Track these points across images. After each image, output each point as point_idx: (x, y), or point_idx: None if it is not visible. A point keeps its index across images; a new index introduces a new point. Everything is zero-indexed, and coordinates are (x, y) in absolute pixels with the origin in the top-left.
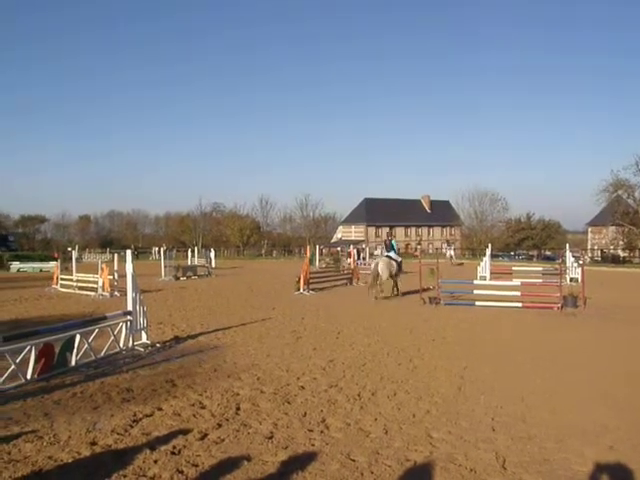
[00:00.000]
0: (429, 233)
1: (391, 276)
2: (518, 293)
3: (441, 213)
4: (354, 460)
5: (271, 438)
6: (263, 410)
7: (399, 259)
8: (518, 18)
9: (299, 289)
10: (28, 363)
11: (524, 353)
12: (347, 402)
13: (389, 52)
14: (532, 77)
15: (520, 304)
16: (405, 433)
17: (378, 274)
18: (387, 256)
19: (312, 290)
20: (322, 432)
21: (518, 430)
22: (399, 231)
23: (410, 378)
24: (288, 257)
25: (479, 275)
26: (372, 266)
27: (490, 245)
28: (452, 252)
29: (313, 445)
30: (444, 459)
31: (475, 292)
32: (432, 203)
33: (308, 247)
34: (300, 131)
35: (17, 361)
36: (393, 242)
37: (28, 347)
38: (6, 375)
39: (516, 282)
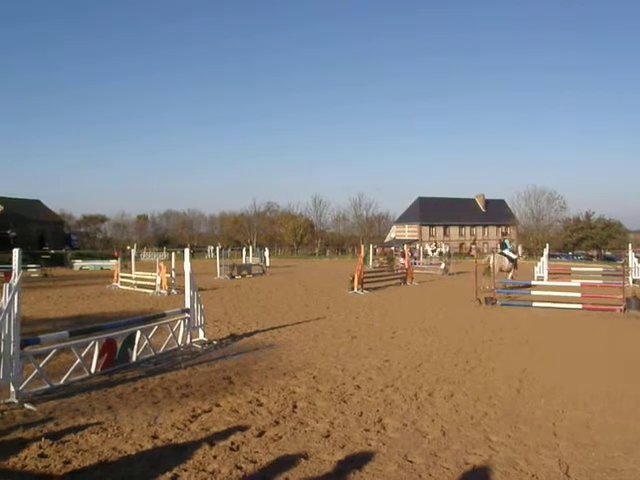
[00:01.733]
0: (484, 232)
1: (501, 270)
2: (578, 294)
3: (496, 212)
4: (411, 461)
5: (328, 437)
6: (319, 409)
7: (514, 256)
8: (579, 18)
9: (353, 288)
10: (92, 357)
11: (586, 356)
12: (404, 402)
13: (441, 49)
14: (591, 76)
15: (580, 306)
16: (463, 435)
17: (489, 267)
18: (501, 253)
19: (366, 289)
20: (379, 432)
21: (581, 436)
22: (453, 230)
23: (467, 379)
24: (341, 256)
25: (536, 275)
26: (484, 260)
27: (547, 245)
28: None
29: (370, 445)
30: (504, 464)
31: (533, 293)
32: (487, 202)
33: (362, 247)
34: (354, 130)
35: (82, 355)
36: (506, 241)
37: (92, 342)
38: (72, 368)
39: (575, 283)
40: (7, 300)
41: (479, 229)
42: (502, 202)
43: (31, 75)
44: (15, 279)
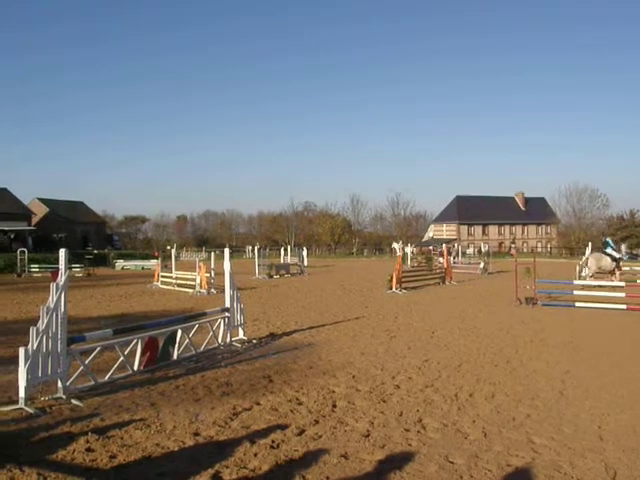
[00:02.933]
0: (523, 231)
1: (600, 271)
2: (622, 294)
3: (536, 211)
4: (452, 462)
5: (368, 436)
6: (359, 408)
7: (617, 255)
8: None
9: (391, 288)
10: (135, 355)
11: (631, 358)
12: (444, 403)
13: (477, 49)
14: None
15: (624, 306)
16: (505, 437)
17: (586, 266)
18: (603, 252)
19: (404, 289)
20: (419, 432)
21: (629, 441)
22: (492, 229)
23: (508, 380)
24: (379, 256)
25: (579, 275)
26: (582, 259)
27: (590, 244)
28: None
29: (410, 445)
30: (548, 467)
31: (575, 293)
32: (527, 200)
33: (402, 246)
34: (391, 129)
35: (125, 353)
36: (608, 239)
37: (135, 340)
38: (116, 366)
39: (620, 282)
40: (54, 299)
41: (518, 228)
42: (542, 200)
43: (70, 74)
44: (62, 278)
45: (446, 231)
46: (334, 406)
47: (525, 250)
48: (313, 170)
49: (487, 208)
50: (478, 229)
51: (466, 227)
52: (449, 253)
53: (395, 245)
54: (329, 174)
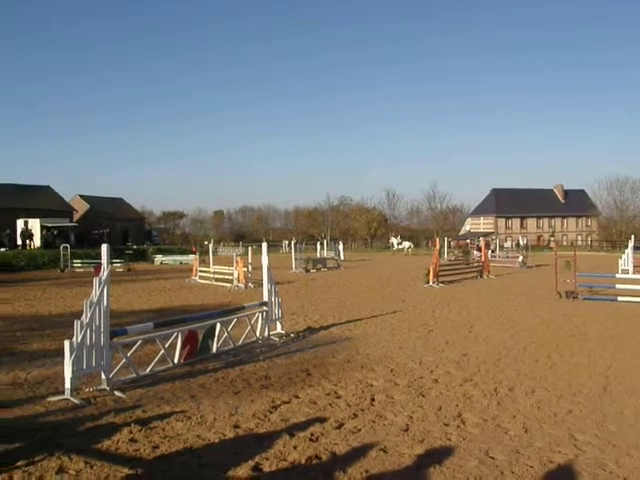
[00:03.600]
0: (563, 224)
1: None
2: None
3: (576, 203)
4: (493, 458)
5: (407, 430)
6: (398, 402)
7: None
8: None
9: (428, 282)
10: (175, 348)
11: None
12: (483, 397)
13: (512, 44)
14: None
15: None
16: (546, 433)
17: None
18: None
19: (441, 283)
20: (458, 427)
21: None
22: (530, 222)
23: (549, 375)
24: (415, 250)
25: (621, 268)
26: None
27: (633, 237)
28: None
29: (449, 440)
30: (592, 464)
31: (617, 287)
32: (566, 192)
33: (437, 239)
34: (426, 123)
35: (166, 346)
36: None
37: (175, 334)
38: (157, 359)
39: None
40: (97, 293)
41: (557, 221)
42: (582, 192)
43: (108, 71)
44: (104, 273)
45: (483, 224)
46: (372, 400)
47: (564, 243)
48: (349, 164)
49: (525, 201)
50: (516, 222)
51: (504, 220)
52: (487, 246)
53: (393, 240)
54: (365, 168)
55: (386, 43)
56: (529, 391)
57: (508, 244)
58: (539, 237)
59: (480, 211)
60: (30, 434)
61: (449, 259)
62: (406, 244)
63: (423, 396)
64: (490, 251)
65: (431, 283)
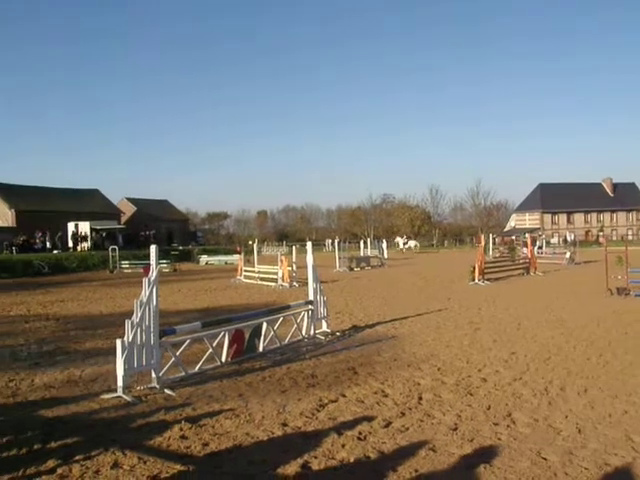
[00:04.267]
0: (612, 219)
1: None
2: None
3: (626, 196)
4: (545, 459)
5: (455, 430)
6: (445, 401)
7: None
8: None
9: (474, 279)
10: (222, 347)
11: None
12: (533, 397)
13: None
14: None
15: None
16: (601, 434)
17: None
18: None
19: (487, 280)
20: (508, 427)
21: None
22: (577, 218)
23: (602, 374)
24: (459, 247)
25: None
26: None
27: None
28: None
29: (500, 439)
30: None
31: None
32: (615, 186)
33: (482, 236)
34: (469, 116)
35: (213, 345)
36: None
37: (222, 333)
38: (204, 358)
39: None
40: (147, 293)
41: (606, 215)
42: (632, 185)
43: (155, 76)
44: (153, 274)
45: (529, 220)
46: (420, 398)
47: (614, 238)
48: (391, 162)
49: (572, 195)
50: (563, 217)
51: (550, 216)
52: (533, 243)
53: (399, 240)
54: (407, 165)
55: (423, 28)
56: (581, 390)
57: (555, 240)
58: (587, 232)
59: (525, 207)
60: (86, 430)
61: (494, 256)
62: (412, 243)
63: (471, 395)
64: (537, 247)
65: (476, 280)
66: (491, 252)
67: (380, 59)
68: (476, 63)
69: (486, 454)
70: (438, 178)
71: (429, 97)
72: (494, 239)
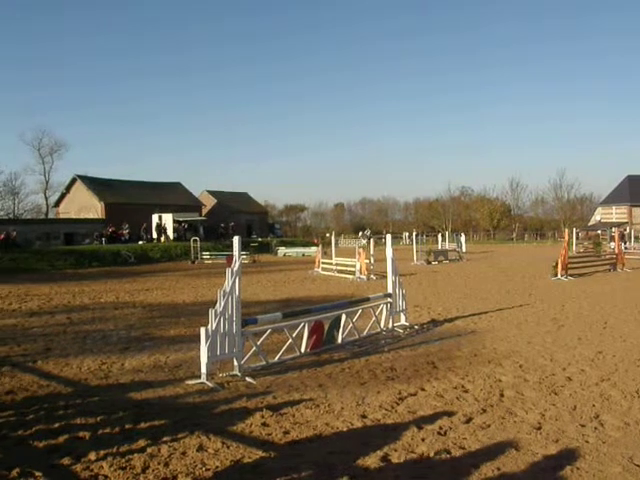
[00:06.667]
0: None
1: None
2: None
3: None
4: (639, 466)
5: (539, 429)
6: (528, 399)
7: None
8: None
9: (556, 274)
10: (302, 338)
11: None
12: (623, 399)
13: None
14: None
15: None
16: None
17: None
18: None
19: (570, 276)
20: (596, 429)
21: None
22: None
23: None
24: (540, 241)
25: None
26: None
27: None
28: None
29: (587, 442)
30: None
31: None
32: None
33: (566, 230)
34: (552, 108)
35: (293, 336)
36: None
37: (302, 324)
38: (284, 348)
39: None
40: (230, 283)
41: None
42: None
43: (235, 68)
44: (236, 264)
45: (616, 214)
46: (501, 395)
47: None
48: (470, 153)
49: None
50: None
51: (639, 209)
52: (621, 237)
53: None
54: (486, 157)
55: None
56: None
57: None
58: None
59: (612, 200)
60: (172, 413)
61: (578, 251)
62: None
63: (556, 394)
64: (624, 242)
65: (559, 276)
66: (574, 247)
67: (463, 54)
68: (566, 58)
69: (573, 456)
70: (519, 170)
71: (510, 90)
72: (577, 233)
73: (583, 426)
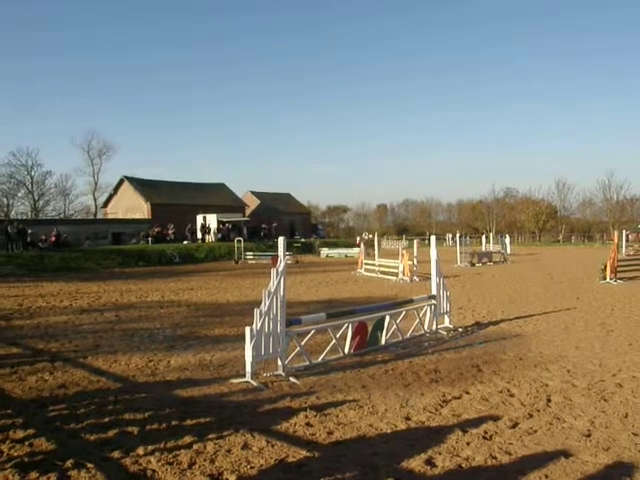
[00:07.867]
0: None
1: None
2: None
3: None
4: None
5: (589, 436)
6: (576, 405)
7: None
8: None
9: (605, 278)
10: (345, 339)
11: None
12: None
13: None
14: None
15: None
16: None
17: None
18: None
19: (619, 279)
20: None
21: None
22: None
23: None
24: (588, 244)
25: None
26: None
27: None
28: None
29: None
30: None
31: None
32: None
33: (616, 233)
34: (599, 105)
35: (337, 336)
36: None
37: (346, 325)
38: (328, 348)
39: None
40: (275, 283)
41: None
42: None
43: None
44: (281, 264)
45: None
46: (549, 400)
47: None
48: (515, 154)
49: None
50: None
51: None
52: None
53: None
54: (532, 157)
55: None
56: None
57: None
58: None
59: None
60: (217, 411)
61: (627, 254)
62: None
63: (605, 401)
64: None
65: (608, 279)
66: (624, 249)
67: (511, 47)
68: (617, 54)
69: (625, 466)
70: (566, 171)
71: (557, 86)
72: (627, 235)
73: (636, 435)
